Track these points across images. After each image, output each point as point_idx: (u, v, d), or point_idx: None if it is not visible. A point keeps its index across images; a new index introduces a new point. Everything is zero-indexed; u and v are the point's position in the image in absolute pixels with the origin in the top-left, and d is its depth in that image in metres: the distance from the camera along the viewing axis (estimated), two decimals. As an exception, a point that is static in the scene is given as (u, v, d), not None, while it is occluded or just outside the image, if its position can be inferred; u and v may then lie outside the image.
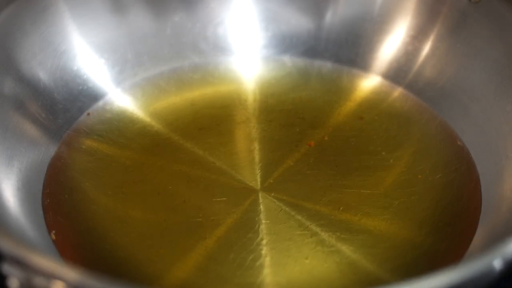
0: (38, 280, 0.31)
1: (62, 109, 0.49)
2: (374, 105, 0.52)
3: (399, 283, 0.30)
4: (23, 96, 0.47)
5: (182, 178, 0.45)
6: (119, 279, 0.36)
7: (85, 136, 0.49)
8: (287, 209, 0.43)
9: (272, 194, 0.44)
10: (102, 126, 0.50)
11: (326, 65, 0.55)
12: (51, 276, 0.30)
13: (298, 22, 0.56)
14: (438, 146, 0.48)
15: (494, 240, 0.35)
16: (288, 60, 0.56)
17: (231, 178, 0.46)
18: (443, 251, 0.41)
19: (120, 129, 0.50)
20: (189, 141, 0.48)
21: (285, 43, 0.56)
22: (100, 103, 0.51)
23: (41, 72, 0.49)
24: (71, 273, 0.30)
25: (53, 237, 0.41)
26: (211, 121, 0.50)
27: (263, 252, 0.40)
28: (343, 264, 0.40)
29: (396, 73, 0.53)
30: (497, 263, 0.31)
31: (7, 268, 0.31)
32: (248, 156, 0.47)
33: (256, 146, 0.48)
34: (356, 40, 0.55)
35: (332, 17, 0.56)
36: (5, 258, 0.31)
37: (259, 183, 0.45)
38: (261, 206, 0.43)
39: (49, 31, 0.50)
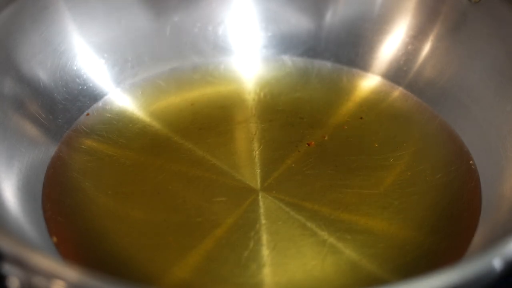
0: (38, 280, 0.31)
1: (62, 109, 0.49)
2: (374, 105, 0.52)
3: (399, 283, 0.30)
4: (23, 96, 0.47)
5: (182, 178, 0.45)
6: (119, 279, 0.36)
7: (85, 136, 0.49)
8: (287, 209, 0.43)
9: (272, 194, 0.44)
10: (102, 126, 0.50)
11: (326, 65, 0.55)
12: (51, 276, 0.30)
13: (298, 22, 0.56)
14: (438, 146, 0.48)
15: (494, 240, 0.35)
16: (288, 60, 0.56)
17: (231, 178, 0.46)
18: (443, 251, 0.41)
19: (120, 129, 0.50)
20: (188, 141, 0.48)
21: (285, 43, 0.56)
22: (100, 103, 0.51)
23: (41, 72, 0.49)
24: (71, 273, 0.30)
25: (53, 237, 0.41)
26: (211, 121, 0.50)
27: (263, 252, 0.40)
28: (343, 264, 0.40)
29: (396, 73, 0.53)
30: (497, 263, 0.31)
31: (7, 268, 0.31)
32: (248, 156, 0.47)
33: (256, 146, 0.48)
34: (356, 40, 0.55)
35: (332, 17, 0.56)
36: (5, 258, 0.31)
37: (259, 183, 0.45)
38: (261, 206, 0.43)
39: (49, 30, 0.50)
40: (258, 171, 0.46)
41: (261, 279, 0.39)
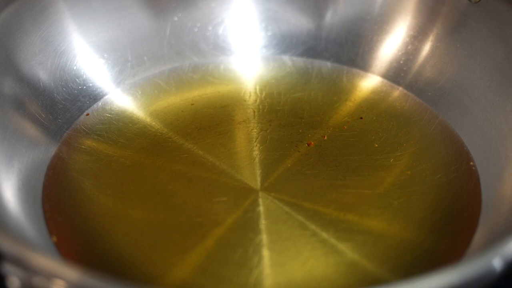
0: (38, 280, 0.31)
1: (62, 109, 0.49)
2: (374, 105, 0.52)
3: (399, 283, 0.30)
4: (23, 96, 0.47)
5: (182, 178, 0.45)
6: (119, 279, 0.36)
7: (85, 136, 0.49)
8: (287, 209, 0.43)
9: (272, 194, 0.44)
10: (102, 126, 0.50)
11: (326, 65, 0.55)
12: (51, 276, 0.30)
13: (298, 22, 0.56)
14: (438, 146, 0.48)
15: (494, 240, 0.35)
16: (288, 60, 0.56)
17: (231, 178, 0.46)
18: (443, 251, 0.41)
19: (120, 129, 0.50)
20: (189, 141, 0.48)
21: (285, 43, 0.56)
22: (100, 103, 0.51)
23: (41, 72, 0.49)
24: (72, 273, 0.30)
25: (53, 237, 0.41)
26: (211, 121, 0.50)
27: (263, 252, 0.41)
28: (343, 264, 0.40)
29: (396, 73, 0.53)
30: (497, 263, 0.32)
31: (8, 268, 0.31)
32: (248, 156, 0.47)
33: (256, 146, 0.48)
34: (356, 40, 0.55)
35: (332, 17, 0.56)
36: (6, 258, 0.31)
37: (259, 183, 0.45)
38: (261, 206, 0.43)
39: (49, 31, 0.50)
40: (258, 171, 0.46)
41: (261, 279, 0.39)
